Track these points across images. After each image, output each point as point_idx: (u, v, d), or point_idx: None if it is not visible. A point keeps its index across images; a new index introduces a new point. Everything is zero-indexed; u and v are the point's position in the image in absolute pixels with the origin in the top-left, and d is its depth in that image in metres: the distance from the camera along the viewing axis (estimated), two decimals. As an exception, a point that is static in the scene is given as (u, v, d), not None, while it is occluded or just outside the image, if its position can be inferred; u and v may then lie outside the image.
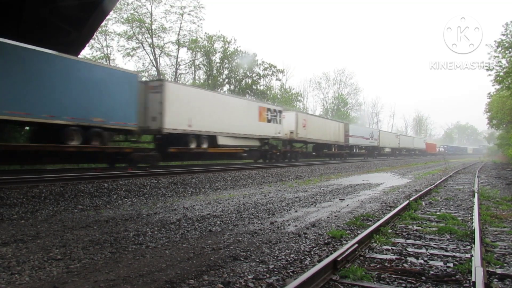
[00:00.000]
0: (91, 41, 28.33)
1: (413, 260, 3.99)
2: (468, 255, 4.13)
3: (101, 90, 12.95)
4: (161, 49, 34.00)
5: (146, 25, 32.32)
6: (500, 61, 20.26)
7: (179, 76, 36.04)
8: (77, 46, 13.30)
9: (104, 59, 30.87)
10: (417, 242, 4.79)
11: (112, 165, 14.46)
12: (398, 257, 4.08)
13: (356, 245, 4.08)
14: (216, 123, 17.93)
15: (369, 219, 6.29)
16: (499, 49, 19.86)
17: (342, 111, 55.58)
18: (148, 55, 33.89)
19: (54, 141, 11.87)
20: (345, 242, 4.63)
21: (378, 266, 3.76)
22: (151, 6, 32.47)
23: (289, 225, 5.71)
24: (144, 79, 26.68)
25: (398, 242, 4.73)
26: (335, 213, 6.82)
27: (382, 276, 3.46)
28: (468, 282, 3.33)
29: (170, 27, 34.58)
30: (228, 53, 36.55)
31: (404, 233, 5.26)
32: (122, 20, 31.38)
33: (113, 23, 31.46)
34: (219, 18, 78.80)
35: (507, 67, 20.15)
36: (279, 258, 3.99)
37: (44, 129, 11.94)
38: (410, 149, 59.04)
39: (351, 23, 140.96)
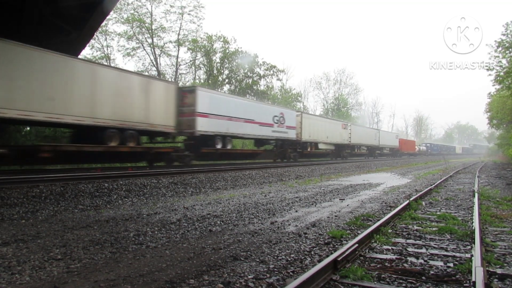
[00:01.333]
0: (92, 41, 28.35)
1: (413, 260, 3.99)
2: (468, 255, 4.13)
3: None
4: (161, 49, 34.04)
5: (146, 25, 32.36)
6: (500, 61, 20.31)
7: (179, 76, 36.09)
8: (77, 45, 13.33)
9: (104, 59, 30.89)
10: (417, 242, 4.79)
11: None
12: (398, 257, 4.08)
13: (356, 245, 4.08)
14: None
15: (370, 219, 6.29)
16: (499, 49, 19.89)
17: (342, 111, 55.57)
18: (148, 55, 33.95)
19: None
20: (345, 242, 4.63)
21: (378, 266, 3.77)
22: (151, 6, 32.55)
23: (289, 225, 5.72)
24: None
25: (398, 242, 4.73)
26: (335, 213, 6.82)
27: (382, 276, 3.46)
28: (468, 282, 3.33)
29: (170, 27, 34.73)
30: (228, 53, 36.58)
31: (404, 233, 5.26)
32: (122, 20, 31.45)
33: (113, 23, 31.55)
34: (219, 18, 78.90)
35: (507, 67, 20.17)
36: (279, 258, 3.99)
37: None
38: (373, 146, 41.91)
39: (351, 23, 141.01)
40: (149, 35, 32.99)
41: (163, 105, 15.62)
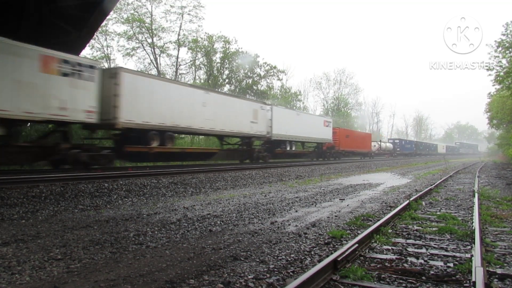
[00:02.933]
0: (92, 41, 28.35)
1: (413, 260, 3.99)
2: (468, 255, 4.13)
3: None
4: (161, 49, 34.03)
5: (146, 25, 32.35)
6: (500, 61, 20.32)
7: (180, 76, 36.09)
8: (77, 46, 13.33)
9: (104, 59, 30.90)
10: (417, 242, 4.79)
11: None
12: (398, 257, 4.08)
13: (357, 245, 4.08)
14: None
15: (370, 219, 6.29)
16: (499, 49, 19.90)
17: (342, 111, 55.53)
18: (148, 55, 33.94)
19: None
20: (345, 242, 4.63)
21: (378, 266, 3.77)
22: (151, 6, 32.53)
23: (289, 225, 5.72)
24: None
25: (398, 242, 4.73)
26: (335, 213, 6.82)
27: (383, 276, 3.46)
28: (468, 282, 3.33)
29: (170, 27, 34.68)
30: (229, 53, 36.56)
31: (404, 233, 5.26)
32: (122, 20, 31.42)
33: (113, 23, 31.51)
34: (219, 18, 78.92)
35: (507, 67, 20.17)
36: (279, 258, 3.99)
37: None
38: (252, 137, 21.92)
39: (351, 23, 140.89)
40: (149, 35, 33.00)
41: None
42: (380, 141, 47.99)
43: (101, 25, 19.81)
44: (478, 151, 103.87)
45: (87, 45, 18.74)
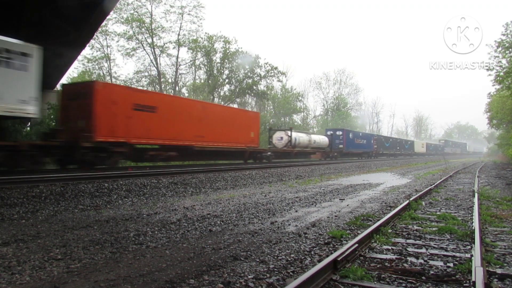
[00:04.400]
0: (92, 41, 28.36)
1: (413, 260, 3.99)
2: (468, 255, 4.14)
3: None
4: (161, 49, 34.03)
5: (146, 25, 32.35)
6: (500, 61, 20.36)
7: (180, 76, 36.10)
8: (77, 46, 13.34)
9: (104, 59, 30.91)
10: (417, 242, 4.79)
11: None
12: (398, 257, 4.08)
13: (356, 245, 4.08)
14: None
15: (369, 219, 6.30)
16: (499, 49, 19.93)
17: (342, 111, 55.50)
18: (148, 55, 33.95)
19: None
20: (345, 242, 4.63)
21: (378, 266, 3.77)
22: (151, 6, 32.55)
23: (289, 225, 5.72)
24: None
25: (398, 242, 4.73)
26: (335, 213, 6.82)
27: (382, 276, 3.47)
28: (468, 282, 3.33)
29: (170, 27, 34.73)
30: (229, 53, 36.56)
31: (404, 233, 5.26)
32: (122, 20, 31.43)
33: (113, 23, 31.52)
34: (220, 19, 78.89)
35: (507, 67, 20.19)
36: (279, 258, 3.99)
37: None
38: None
39: (351, 23, 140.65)
40: (149, 35, 33.01)
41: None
42: (291, 129, 27.23)
43: (101, 25, 19.83)
44: (466, 151, 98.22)
45: (87, 45, 18.76)
